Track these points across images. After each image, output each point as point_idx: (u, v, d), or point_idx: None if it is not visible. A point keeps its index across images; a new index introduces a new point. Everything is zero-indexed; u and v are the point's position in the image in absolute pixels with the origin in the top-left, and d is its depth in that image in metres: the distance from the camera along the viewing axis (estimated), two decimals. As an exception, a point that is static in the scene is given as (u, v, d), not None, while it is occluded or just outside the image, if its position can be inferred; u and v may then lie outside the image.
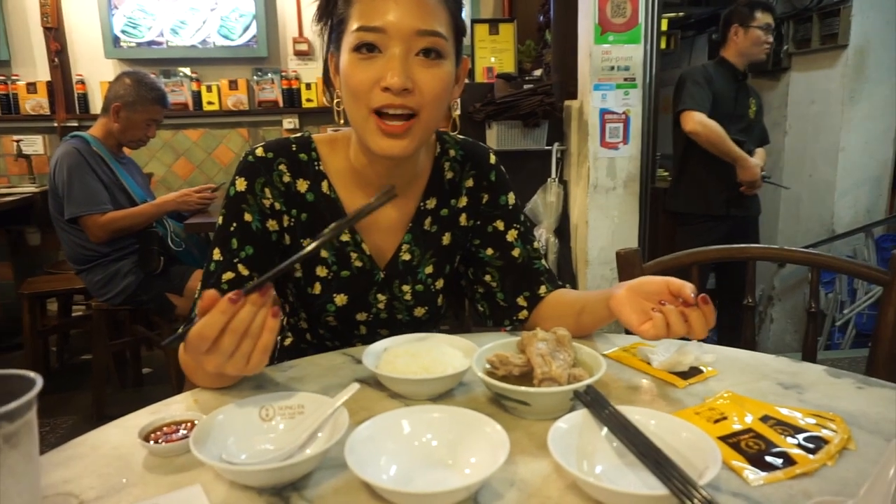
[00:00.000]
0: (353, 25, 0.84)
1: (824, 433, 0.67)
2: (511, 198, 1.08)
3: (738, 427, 0.70)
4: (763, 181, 2.56)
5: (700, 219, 2.77)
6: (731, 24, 2.61)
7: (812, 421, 0.70)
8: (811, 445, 0.65)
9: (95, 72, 3.82)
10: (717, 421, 0.71)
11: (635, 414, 0.66)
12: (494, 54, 3.43)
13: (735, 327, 2.76)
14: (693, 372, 0.86)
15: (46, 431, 2.53)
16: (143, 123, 2.44)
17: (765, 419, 0.71)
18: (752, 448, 0.65)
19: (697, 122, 2.56)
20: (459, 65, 0.94)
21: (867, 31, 2.98)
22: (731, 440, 0.67)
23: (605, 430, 0.65)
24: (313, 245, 0.72)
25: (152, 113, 2.44)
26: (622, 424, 0.64)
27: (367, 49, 0.84)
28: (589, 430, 0.65)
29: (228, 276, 0.93)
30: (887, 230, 3.32)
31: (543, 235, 2.98)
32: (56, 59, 3.73)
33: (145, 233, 2.43)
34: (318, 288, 1.00)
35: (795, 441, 0.66)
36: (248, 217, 0.95)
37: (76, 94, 3.81)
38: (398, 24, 0.83)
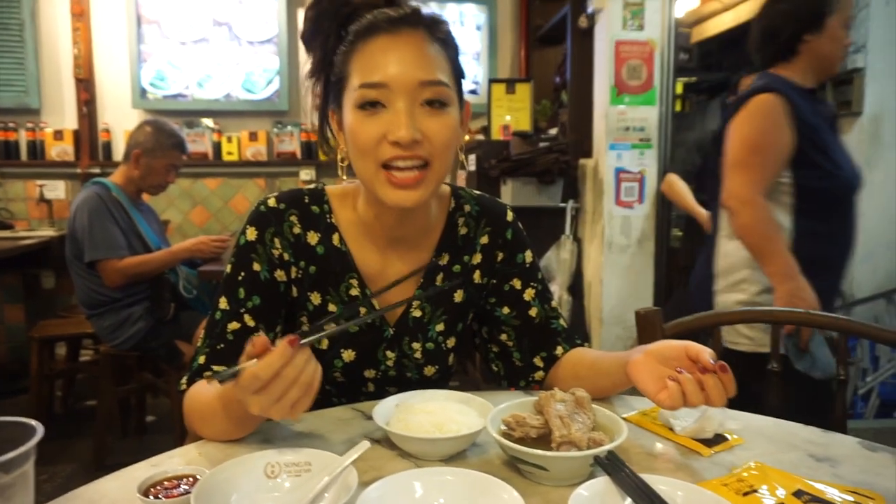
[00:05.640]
0: (355, 83, 0.85)
1: (863, 511, 0.63)
2: (528, 255, 1.06)
3: (769, 501, 0.66)
4: None
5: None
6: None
7: (850, 498, 0.66)
8: (850, 525, 0.61)
9: (121, 121, 3.92)
10: (746, 493, 0.67)
11: (660, 484, 0.62)
12: (511, 113, 3.49)
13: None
14: (718, 439, 0.82)
15: (44, 480, 2.47)
16: (163, 169, 2.49)
17: (798, 494, 0.67)
18: (787, 525, 0.61)
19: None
20: (462, 109, 0.94)
21: (882, 98, 3.01)
22: (764, 516, 0.63)
23: (629, 500, 0.61)
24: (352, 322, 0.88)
25: (171, 158, 2.49)
26: (647, 494, 0.61)
27: (370, 106, 0.84)
28: (611, 499, 0.62)
29: (234, 326, 0.91)
30: (908, 296, 3.26)
31: (556, 293, 2.95)
32: (85, 109, 3.85)
33: (158, 279, 2.44)
34: (325, 343, 0.97)
35: (833, 519, 0.62)
36: (256, 266, 0.94)
37: (100, 142, 3.91)
38: (400, 77, 0.83)
